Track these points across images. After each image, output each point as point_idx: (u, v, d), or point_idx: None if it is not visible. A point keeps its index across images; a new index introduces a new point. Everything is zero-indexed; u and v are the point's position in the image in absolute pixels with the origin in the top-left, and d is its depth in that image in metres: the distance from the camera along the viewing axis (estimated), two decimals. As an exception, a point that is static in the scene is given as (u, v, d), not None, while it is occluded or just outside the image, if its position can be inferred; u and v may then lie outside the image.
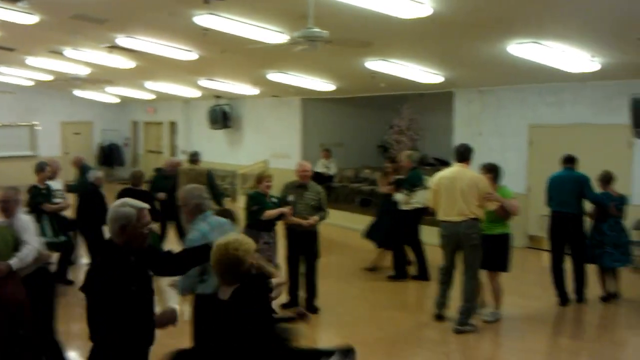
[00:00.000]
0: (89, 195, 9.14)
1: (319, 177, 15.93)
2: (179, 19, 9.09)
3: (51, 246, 8.29)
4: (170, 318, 3.81)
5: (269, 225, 7.39)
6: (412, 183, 9.21)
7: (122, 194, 8.53)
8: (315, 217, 7.53)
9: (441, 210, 7.12)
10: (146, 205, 3.71)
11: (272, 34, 9.12)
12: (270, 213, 7.32)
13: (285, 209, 7.40)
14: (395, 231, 9.39)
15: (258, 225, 7.24)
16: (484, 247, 7.13)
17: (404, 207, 9.21)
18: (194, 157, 11.72)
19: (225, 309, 3.58)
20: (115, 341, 3.45)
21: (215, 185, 11.02)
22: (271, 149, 17.63)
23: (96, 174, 9.40)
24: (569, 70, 9.44)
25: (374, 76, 11.47)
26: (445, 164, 13.41)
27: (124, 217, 3.57)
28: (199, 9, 8.36)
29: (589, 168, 10.68)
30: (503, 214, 7.23)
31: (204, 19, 8.74)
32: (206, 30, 9.15)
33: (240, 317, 3.57)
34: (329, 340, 6.96)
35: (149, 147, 23.33)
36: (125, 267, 3.54)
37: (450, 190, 6.97)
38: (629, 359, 6.47)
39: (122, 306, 3.43)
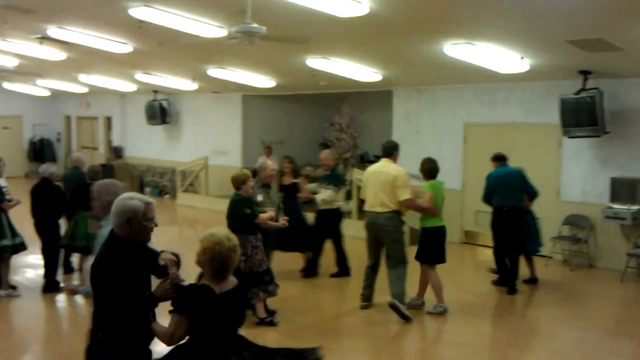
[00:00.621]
0: (45, 191, 8.67)
1: (258, 174, 16.10)
2: (112, 10, 9.01)
3: (6, 250, 8.19)
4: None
5: (256, 228, 7.25)
6: (338, 180, 9.54)
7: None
8: (286, 217, 7.79)
9: (367, 201, 7.69)
10: (152, 200, 3.76)
11: (211, 29, 9.18)
12: (264, 217, 7.31)
13: (272, 212, 7.53)
14: (317, 231, 9.58)
15: (246, 230, 7.00)
16: (420, 239, 7.65)
17: (327, 207, 9.39)
18: (119, 152, 11.57)
19: (225, 302, 3.65)
20: (116, 336, 3.48)
21: (142, 182, 10.93)
22: (211, 145, 17.64)
23: (50, 168, 8.94)
24: (500, 71, 9.88)
25: (315, 74, 11.68)
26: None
27: (131, 210, 3.58)
28: (133, 0, 8.38)
29: (521, 165, 11.25)
30: (427, 211, 7.65)
31: (139, 11, 8.72)
32: (142, 22, 9.13)
33: (239, 310, 3.76)
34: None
35: (83, 143, 22.95)
36: (128, 261, 3.54)
37: (373, 183, 7.55)
38: (562, 348, 6.85)
39: (124, 300, 3.45)
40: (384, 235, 7.52)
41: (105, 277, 3.48)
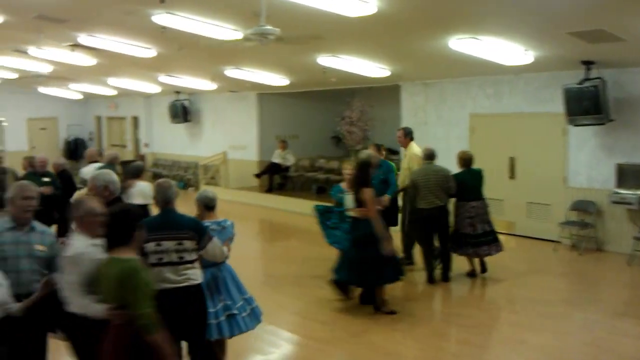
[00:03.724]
0: None
1: (276, 168, 15.93)
2: (137, 18, 8.91)
3: None
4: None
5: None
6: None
7: None
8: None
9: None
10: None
11: (227, 32, 9.00)
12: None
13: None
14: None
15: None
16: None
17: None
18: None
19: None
20: None
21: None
22: (229, 141, 17.50)
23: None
24: (505, 64, 9.56)
25: (325, 71, 11.45)
26: (395, 152, 13.52)
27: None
28: (156, 8, 8.21)
29: (528, 153, 10.98)
30: None
31: (161, 18, 8.59)
32: (164, 28, 9.00)
33: None
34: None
35: (113, 141, 22.88)
36: None
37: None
38: (571, 329, 6.61)
39: None
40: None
41: None
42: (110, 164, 10.07)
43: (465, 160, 8.33)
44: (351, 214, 6.95)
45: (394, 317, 6.89)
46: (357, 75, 11.72)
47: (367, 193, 6.69)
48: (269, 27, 6.69)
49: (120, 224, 3.64)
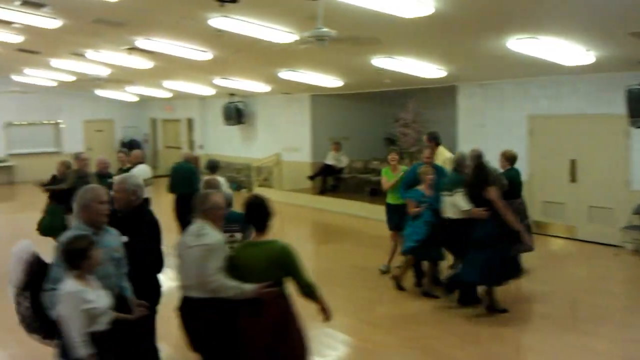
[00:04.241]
0: None
1: (329, 169, 16.03)
2: (194, 21, 9.13)
3: None
4: None
5: None
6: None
7: None
8: None
9: None
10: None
11: (282, 34, 9.14)
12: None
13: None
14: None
15: None
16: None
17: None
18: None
19: None
20: None
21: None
22: (283, 143, 17.68)
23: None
24: (565, 64, 9.40)
25: (380, 72, 11.47)
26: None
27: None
28: (213, 12, 8.40)
29: (589, 156, 10.74)
30: None
31: (218, 21, 8.77)
32: (220, 31, 9.19)
33: None
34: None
35: (168, 143, 23.42)
36: None
37: None
38: (635, 336, 6.47)
39: None
40: None
41: None
42: (187, 161, 10.87)
43: (512, 158, 8.32)
44: (465, 215, 7.03)
45: (451, 321, 6.89)
46: (411, 76, 11.70)
47: (493, 191, 6.80)
48: (325, 29, 6.77)
49: (259, 213, 4.27)
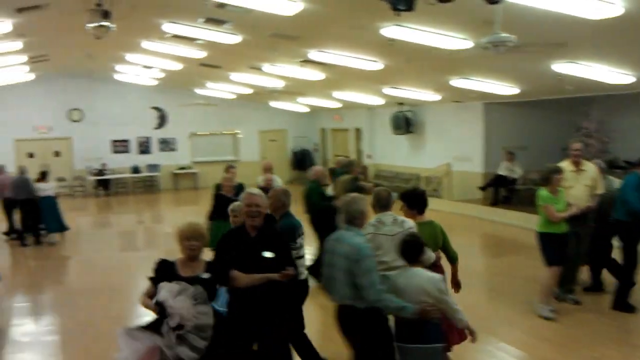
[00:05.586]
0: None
1: (502, 180, 15.61)
2: (366, 32, 9.40)
3: None
4: None
5: None
6: None
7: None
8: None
9: None
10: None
11: (456, 41, 9.12)
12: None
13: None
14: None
15: None
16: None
17: None
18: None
19: None
20: None
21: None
22: (453, 152, 17.49)
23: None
24: None
25: (561, 78, 11.00)
26: (636, 165, 12.48)
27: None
28: (386, 21, 8.60)
29: None
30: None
31: (390, 31, 8.96)
32: (392, 40, 9.37)
33: None
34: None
35: (336, 152, 24.12)
36: None
37: None
38: None
39: None
40: None
41: None
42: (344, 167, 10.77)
43: None
44: None
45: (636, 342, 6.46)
46: (595, 81, 11.09)
47: None
48: (504, 34, 6.68)
49: (418, 199, 5.46)
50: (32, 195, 13.19)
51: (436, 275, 4.55)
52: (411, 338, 4.36)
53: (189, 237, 4.30)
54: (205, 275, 4.28)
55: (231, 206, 6.15)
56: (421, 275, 4.46)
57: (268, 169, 10.35)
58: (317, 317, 7.23)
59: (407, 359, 4.41)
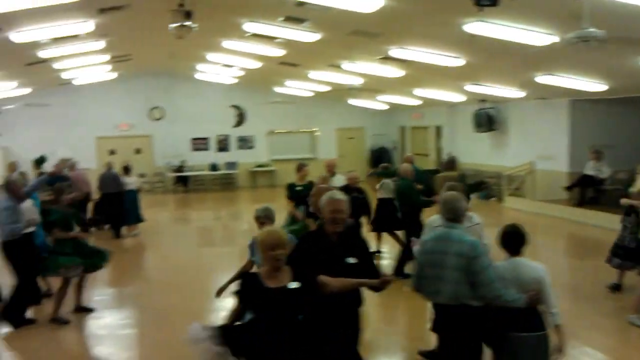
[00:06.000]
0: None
1: (589, 180, 15.10)
2: (449, 28, 9.32)
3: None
4: None
5: None
6: None
7: None
8: None
9: None
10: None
11: (542, 36, 8.92)
12: None
13: None
14: None
15: None
16: None
17: None
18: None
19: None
20: None
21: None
22: (536, 150, 17.04)
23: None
24: None
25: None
26: None
27: None
28: (469, 17, 8.51)
29: None
30: None
31: (473, 26, 8.86)
32: (474, 36, 9.25)
33: None
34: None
35: (416, 150, 23.94)
36: None
37: None
38: None
39: None
40: None
41: None
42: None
43: None
44: None
45: None
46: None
47: None
48: (592, 29, 6.50)
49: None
50: (120, 189, 13.83)
51: (540, 265, 4.55)
52: (523, 327, 4.36)
53: (273, 246, 3.87)
54: (295, 285, 3.89)
55: (256, 212, 5.67)
56: (529, 264, 4.49)
57: (331, 168, 10.40)
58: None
59: (519, 348, 4.37)
